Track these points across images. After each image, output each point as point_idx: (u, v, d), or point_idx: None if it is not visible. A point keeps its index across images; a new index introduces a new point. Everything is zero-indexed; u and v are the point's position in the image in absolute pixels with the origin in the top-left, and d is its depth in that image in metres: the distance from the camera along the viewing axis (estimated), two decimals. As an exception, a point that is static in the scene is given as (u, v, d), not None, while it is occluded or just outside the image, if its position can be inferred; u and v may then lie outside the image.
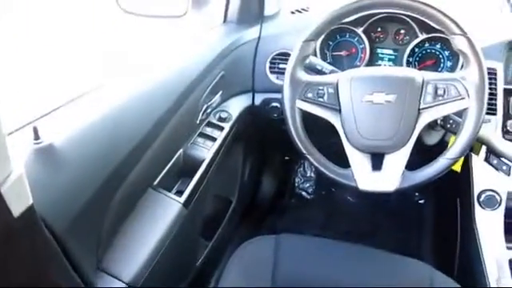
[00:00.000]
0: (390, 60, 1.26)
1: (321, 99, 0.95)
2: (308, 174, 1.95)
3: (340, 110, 0.94)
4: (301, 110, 0.96)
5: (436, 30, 1.13)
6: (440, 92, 0.89)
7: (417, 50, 1.21)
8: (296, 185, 1.97)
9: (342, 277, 0.98)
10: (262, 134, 1.51)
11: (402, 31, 1.23)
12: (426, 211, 1.80)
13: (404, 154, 0.92)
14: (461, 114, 0.91)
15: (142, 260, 0.84)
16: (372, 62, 1.26)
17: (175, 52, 1.15)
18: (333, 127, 0.96)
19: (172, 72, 1.06)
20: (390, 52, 1.25)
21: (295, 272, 0.99)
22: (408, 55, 1.21)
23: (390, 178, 0.93)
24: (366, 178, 0.94)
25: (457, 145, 0.90)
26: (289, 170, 1.94)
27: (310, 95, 0.96)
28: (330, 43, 1.28)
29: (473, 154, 1.16)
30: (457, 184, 1.24)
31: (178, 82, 1.03)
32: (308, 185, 1.96)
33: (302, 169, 1.97)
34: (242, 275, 0.99)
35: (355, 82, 0.93)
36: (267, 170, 1.81)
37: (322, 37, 1.23)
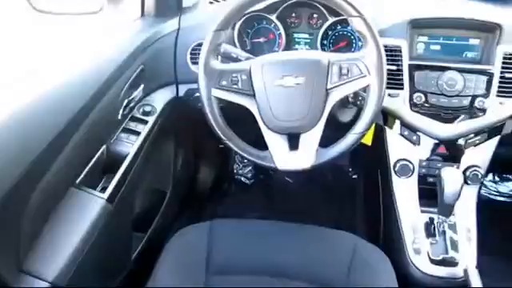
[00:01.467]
0: (306, 44, 1.31)
1: (235, 86, 0.98)
2: (246, 160, 2.00)
3: (254, 95, 0.98)
4: (217, 98, 0.99)
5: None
6: (344, 71, 0.94)
7: (330, 32, 1.27)
8: (235, 171, 2.01)
9: (272, 254, 1.03)
10: (191, 124, 1.52)
11: (315, 15, 1.28)
12: (358, 185, 1.90)
13: (317, 132, 0.97)
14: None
15: (66, 258, 0.84)
16: (290, 46, 1.31)
17: (90, 48, 1.14)
18: (250, 112, 1.00)
19: (87, 68, 1.04)
20: (306, 36, 1.31)
21: (229, 256, 1.03)
22: (322, 38, 1.26)
23: (305, 156, 0.98)
24: (283, 157, 0.99)
25: (362, 120, 0.96)
26: (226, 157, 1.98)
27: (224, 83, 0.98)
28: (249, 31, 1.31)
29: (387, 128, 1.24)
30: (377, 156, 1.32)
31: (93, 78, 1.02)
32: (247, 170, 2.01)
33: (239, 155, 2.01)
34: (176, 264, 1.02)
35: (266, 67, 0.97)
36: (203, 159, 1.84)
37: (238, 25, 1.27)
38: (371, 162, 1.50)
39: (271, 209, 1.86)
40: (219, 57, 1.15)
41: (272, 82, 0.96)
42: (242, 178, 1.99)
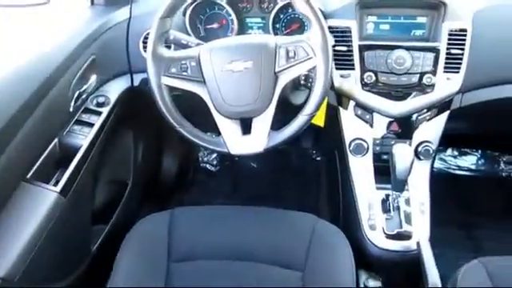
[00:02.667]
0: (259, 28, 1.31)
1: (185, 73, 0.98)
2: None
3: (204, 82, 0.98)
4: (167, 85, 0.99)
5: None
6: (291, 54, 0.95)
7: (282, 16, 1.28)
8: (200, 159, 2.01)
9: (234, 238, 1.05)
10: (149, 113, 1.51)
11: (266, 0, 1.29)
12: (321, 167, 1.93)
13: (268, 115, 0.98)
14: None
15: (17, 254, 0.83)
16: (243, 31, 1.31)
17: (38, 39, 1.11)
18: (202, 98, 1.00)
19: (34, 59, 1.02)
20: (258, 20, 1.31)
21: (190, 243, 1.03)
22: (274, 22, 1.27)
23: (258, 139, 0.99)
24: (236, 142, 1.00)
25: (311, 101, 0.98)
26: (191, 145, 1.98)
27: (173, 70, 0.98)
28: (202, 17, 1.31)
29: (341, 108, 1.26)
30: (334, 137, 1.35)
31: (40, 69, 1.00)
32: (212, 157, 2.01)
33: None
34: (137, 253, 1.02)
35: (214, 53, 0.97)
36: (167, 148, 1.83)
37: (189, 12, 1.26)
38: (329, 143, 1.52)
39: (237, 194, 1.88)
40: (172, 45, 1.15)
41: (221, 67, 0.96)
42: (208, 166, 2.00)
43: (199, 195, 1.88)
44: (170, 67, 0.98)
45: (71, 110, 1.11)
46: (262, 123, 0.99)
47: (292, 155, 2.01)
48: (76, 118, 1.14)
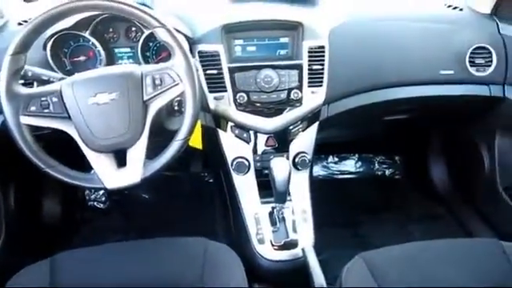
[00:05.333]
0: (129, 58, 1.30)
1: (46, 110, 0.93)
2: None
3: (69, 117, 0.94)
4: (28, 125, 0.93)
5: None
6: (158, 82, 0.96)
7: (151, 44, 1.27)
8: (86, 198, 1.91)
9: (125, 276, 1.00)
10: (19, 156, 1.40)
11: (133, 29, 1.28)
12: (215, 189, 1.95)
13: (142, 145, 0.97)
14: None
15: None
16: (112, 61, 1.28)
17: None
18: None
19: None
20: (127, 50, 1.29)
21: None
22: (144, 50, 1.27)
23: (133, 170, 0.97)
24: (111, 176, 0.97)
25: (184, 126, 0.99)
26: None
27: (33, 108, 0.93)
28: (66, 50, 1.25)
29: (220, 130, 1.29)
30: (217, 158, 1.37)
31: None
32: (100, 194, 1.92)
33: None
34: None
35: (77, 86, 0.94)
36: (46, 189, 1.70)
37: (50, 46, 1.20)
38: (214, 164, 1.55)
39: (131, 228, 1.80)
40: (35, 82, 1.08)
41: (85, 100, 0.93)
42: (96, 203, 1.90)
43: (90, 235, 1.77)
44: (29, 105, 0.92)
45: None
46: (137, 154, 0.97)
47: (183, 181, 2.00)
48: None
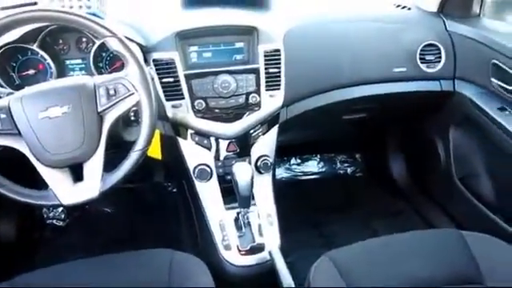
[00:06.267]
0: (81, 69, 1.26)
1: None
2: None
3: (20, 134, 0.90)
4: None
5: None
6: (112, 92, 0.93)
7: (103, 54, 1.24)
8: (45, 216, 1.83)
9: None
10: None
11: (84, 39, 1.24)
12: (178, 198, 1.92)
13: (98, 158, 0.94)
14: None
15: None
16: (64, 74, 1.24)
17: None
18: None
19: None
20: (79, 61, 1.25)
21: None
22: (96, 61, 1.23)
23: (91, 184, 0.94)
24: (68, 192, 0.93)
25: (141, 136, 0.96)
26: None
27: None
28: (14, 64, 1.20)
29: (180, 138, 1.28)
30: (179, 167, 1.35)
31: None
32: (58, 212, 1.85)
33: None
34: None
35: (26, 101, 0.90)
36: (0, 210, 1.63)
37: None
38: (176, 173, 1.52)
39: (94, 245, 1.74)
40: None
41: (35, 115, 0.89)
42: (55, 221, 1.83)
43: (51, 255, 1.70)
44: None
45: None
46: (94, 167, 0.94)
47: (146, 192, 1.96)
48: None
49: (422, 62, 1.46)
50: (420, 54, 1.46)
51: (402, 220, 1.82)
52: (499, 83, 1.33)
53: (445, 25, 1.52)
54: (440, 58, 1.48)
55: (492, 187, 1.48)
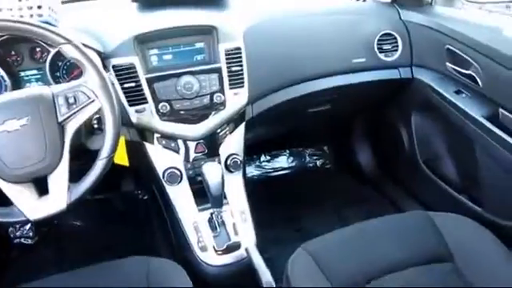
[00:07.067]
0: (37, 80, 1.21)
1: None
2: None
3: None
4: None
5: None
6: (71, 101, 0.91)
7: (60, 63, 1.21)
8: (11, 235, 1.77)
9: None
10: None
11: (38, 49, 1.20)
12: (150, 204, 1.89)
13: (63, 169, 0.91)
14: None
15: None
16: (19, 86, 1.19)
17: None
18: None
19: None
20: (35, 72, 1.21)
21: None
22: (53, 70, 1.20)
23: (57, 197, 0.91)
24: (33, 206, 0.90)
25: (105, 144, 0.95)
26: None
27: None
28: None
29: (147, 143, 1.26)
30: (148, 172, 1.33)
31: None
32: (26, 229, 1.79)
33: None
34: None
35: None
36: None
37: None
38: (146, 179, 1.50)
39: (66, 260, 1.70)
40: None
41: None
42: (23, 240, 1.77)
43: (20, 274, 1.64)
44: None
45: None
46: (59, 179, 0.91)
47: (116, 201, 1.93)
48: None
49: (380, 52, 1.50)
50: (377, 44, 1.49)
51: (373, 206, 1.85)
52: (454, 67, 1.38)
53: (399, 14, 1.56)
54: (397, 46, 1.52)
55: (455, 168, 1.54)
